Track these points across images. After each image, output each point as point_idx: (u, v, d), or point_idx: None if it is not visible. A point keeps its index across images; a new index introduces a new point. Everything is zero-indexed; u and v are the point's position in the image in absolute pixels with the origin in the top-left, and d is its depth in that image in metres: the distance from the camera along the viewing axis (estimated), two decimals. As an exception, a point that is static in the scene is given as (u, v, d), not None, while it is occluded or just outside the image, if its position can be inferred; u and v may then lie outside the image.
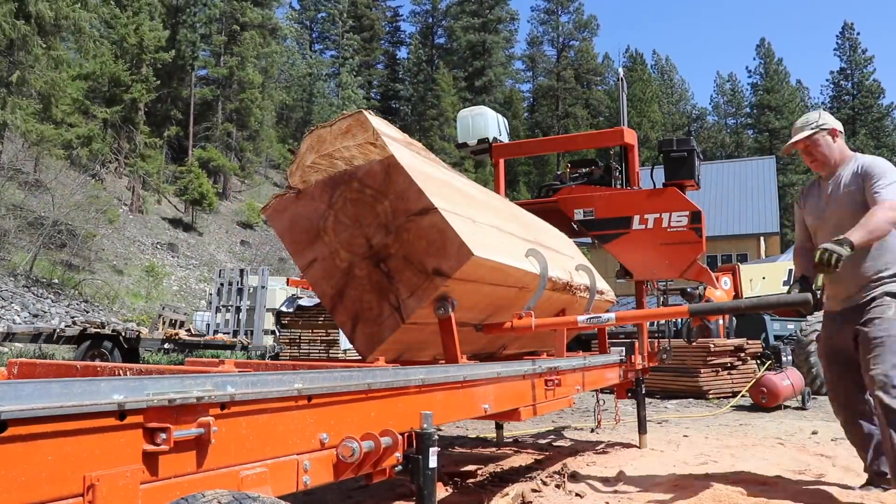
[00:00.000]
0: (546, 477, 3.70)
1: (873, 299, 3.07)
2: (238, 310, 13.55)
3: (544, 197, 5.19)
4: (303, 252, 2.61)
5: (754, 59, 76.04)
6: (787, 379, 7.36)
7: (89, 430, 1.05)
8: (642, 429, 4.83)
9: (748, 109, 59.75)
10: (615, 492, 3.45)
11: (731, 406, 7.64)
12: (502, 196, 5.16)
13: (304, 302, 10.97)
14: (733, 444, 4.96)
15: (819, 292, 2.89)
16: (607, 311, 4.64)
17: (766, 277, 10.37)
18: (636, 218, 4.62)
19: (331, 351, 10.08)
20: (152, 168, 27.34)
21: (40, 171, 22.60)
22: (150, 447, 1.15)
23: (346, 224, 2.51)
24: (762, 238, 29.68)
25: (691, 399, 8.46)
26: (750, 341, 9.16)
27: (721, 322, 11.51)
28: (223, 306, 13.69)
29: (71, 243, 20.51)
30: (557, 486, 3.51)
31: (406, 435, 1.75)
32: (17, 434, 0.95)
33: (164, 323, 12.73)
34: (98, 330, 10.05)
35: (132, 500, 1.09)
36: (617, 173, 5.06)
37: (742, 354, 8.89)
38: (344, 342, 9.47)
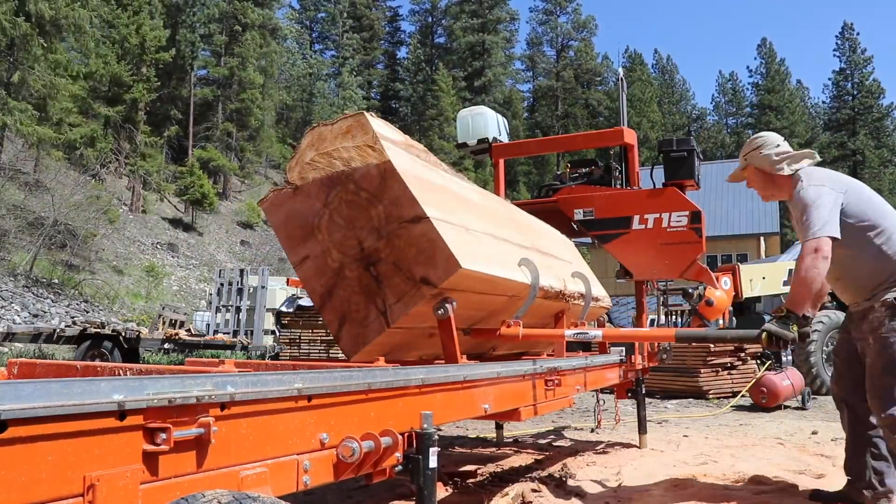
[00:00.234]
0: (546, 477, 3.70)
1: (872, 308, 2.93)
2: (238, 310, 13.55)
3: (544, 197, 5.18)
4: (296, 248, 2.62)
5: (755, 58, 76.08)
6: (787, 379, 7.36)
7: (89, 431, 1.05)
8: (642, 429, 4.83)
9: (749, 109, 59.77)
10: (615, 492, 3.45)
11: (731, 406, 7.64)
12: (502, 198, 5.16)
13: (304, 302, 10.97)
14: (733, 444, 4.96)
15: (806, 328, 2.78)
16: (601, 317, 4.67)
17: (766, 277, 10.36)
18: (636, 218, 4.62)
19: (331, 351, 10.08)
20: (152, 168, 27.34)
21: (40, 171, 22.60)
22: (150, 447, 1.15)
23: (340, 224, 2.52)
24: (762, 238, 29.67)
25: (691, 399, 8.46)
26: (750, 341, 9.14)
27: (721, 322, 11.51)
28: (223, 306, 13.69)
29: (71, 243, 20.50)
30: (557, 486, 3.51)
31: (406, 435, 1.75)
32: (17, 434, 0.95)
33: (164, 323, 12.74)
34: (98, 330, 10.05)
35: (132, 500, 1.09)
36: (617, 173, 5.06)
37: (742, 354, 8.88)
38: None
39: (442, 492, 3.41)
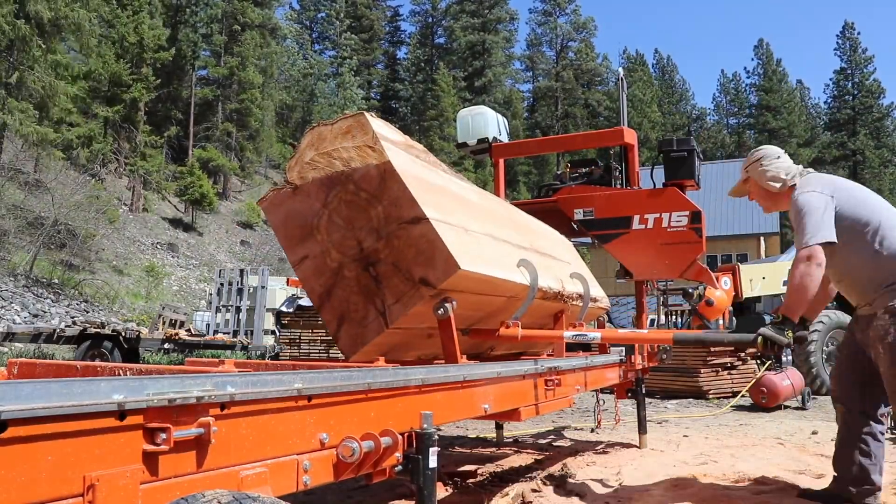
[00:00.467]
0: (546, 477, 3.70)
1: (875, 315, 2.91)
2: (238, 310, 13.55)
3: (544, 197, 5.18)
4: (295, 248, 2.62)
5: (752, 59, 76.08)
6: (787, 379, 7.36)
7: (89, 431, 1.05)
8: (642, 429, 4.83)
9: (748, 109, 59.79)
10: (615, 492, 3.45)
11: (731, 406, 7.64)
12: (502, 198, 5.16)
13: (304, 302, 10.96)
14: (733, 444, 4.96)
15: (803, 332, 2.84)
16: (600, 318, 4.67)
17: (766, 277, 10.36)
18: (636, 218, 4.62)
19: (331, 351, 10.08)
20: (152, 168, 27.34)
21: (40, 171, 22.60)
22: (150, 447, 1.15)
23: (340, 225, 2.52)
24: (762, 238, 29.67)
25: (691, 399, 8.46)
26: (750, 341, 9.14)
27: (721, 322, 11.51)
28: (223, 306, 13.69)
29: (71, 243, 20.51)
30: (557, 486, 3.51)
31: (406, 435, 1.75)
32: (17, 434, 0.95)
33: (164, 323, 12.74)
34: (98, 330, 10.05)
35: (132, 500, 1.09)
36: (617, 173, 5.06)
37: (742, 354, 8.88)
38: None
39: (442, 492, 3.41)
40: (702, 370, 8.52)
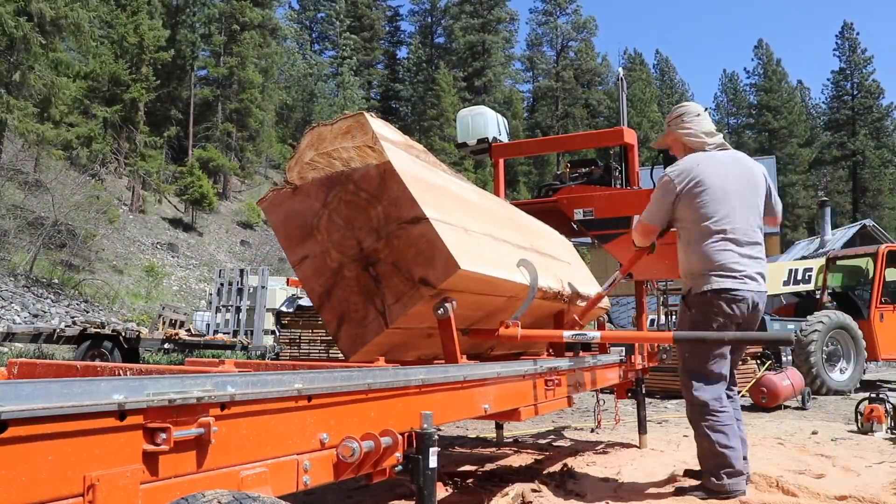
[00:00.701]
0: (546, 477, 3.70)
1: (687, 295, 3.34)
2: (238, 310, 13.55)
3: (544, 197, 5.18)
4: (295, 248, 2.62)
5: (752, 59, 76.07)
6: (787, 379, 7.36)
7: (89, 431, 1.05)
8: (642, 429, 4.83)
9: (748, 109, 59.79)
10: (615, 492, 3.45)
11: (731, 406, 7.63)
12: (502, 198, 5.15)
13: (304, 302, 10.96)
14: (733, 444, 4.95)
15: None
16: (600, 318, 4.67)
17: (767, 278, 10.39)
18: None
19: (331, 351, 10.07)
20: (152, 168, 27.35)
21: (40, 171, 22.61)
22: (150, 447, 1.15)
23: (339, 225, 2.52)
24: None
25: (691, 399, 8.45)
26: (750, 341, 9.15)
27: (721, 322, 11.49)
28: (223, 306, 13.69)
29: (71, 243, 20.51)
30: (557, 486, 3.51)
31: (406, 435, 1.75)
32: (17, 434, 0.95)
33: (164, 323, 12.74)
34: (98, 330, 10.05)
35: (132, 500, 1.09)
36: (617, 173, 5.06)
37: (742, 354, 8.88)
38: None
39: (442, 492, 3.41)
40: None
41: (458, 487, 3.53)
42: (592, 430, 5.76)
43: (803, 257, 20.58)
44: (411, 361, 2.78)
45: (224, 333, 12.89)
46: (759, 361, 9.14)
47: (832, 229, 25.75)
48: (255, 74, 34.28)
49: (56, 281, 18.72)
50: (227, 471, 1.29)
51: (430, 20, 57.45)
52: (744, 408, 7.51)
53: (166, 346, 10.83)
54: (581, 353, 3.93)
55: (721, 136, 3.48)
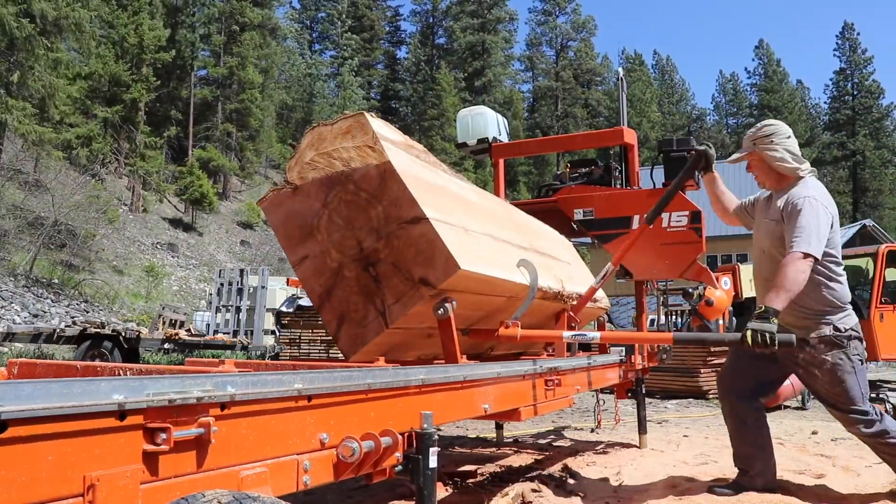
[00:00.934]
0: (546, 477, 3.70)
1: (805, 339, 3.05)
2: (238, 310, 13.54)
3: (544, 197, 5.18)
4: (295, 248, 2.62)
5: (753, 59, 76.09)
6: (787, 379, 7.34)
7: (89, 431, 1.05)
8: (642, 429, 4.83)
9: (748, 109, 59.80)
10: (615, 492, 3.45)
11: (731, 406, 7.63)
12: (502, 199, 5.15)
13: (304, 302, 10.96)
14: (733, 444, 4.95)
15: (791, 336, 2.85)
16: (600, 317, 4.67)
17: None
18: (636, 218, 4.61)
19: (331, 351, 10.08)
20: (152, 168, 27.35)
21: (40, 171, 22.60)
22: (150, 447, 1.15)
23: (339, 225, 2.52)
24: (762, 238, 29.54)
25: (691, 399, 8.46)
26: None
27: (721, 322, 11.50)
28: (223, 306, 13.68)
29: (71, 243, 20.51)
30: (557, 486, 3.51)
31: (406, 435, 1.75)
32: (17, 434, 0.95)
33: (164, 323, 12.73)
34: (98, 330, 10.05)
35: (132, 500, 1.09)
36: (617, 173, 5.06)
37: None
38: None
39: (442, 492, 3.41)
40: (702, 370, 8.52)
41: (458, 487, 3.53)
42: (592, 430, 5.76)
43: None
44: (411, 361, 2.78)
45: (224, 333, 12.89)
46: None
47: (832, 229, 25.66)
48: (255, 74, 34.27)
49: (56, 281, 18.72)
50: (227, 471, 1.29)
51: (430, 20, 57.45)
52: (744, 408, 7.52)
53: (166, 346, 10.83)
54: (580, 353, 3.93)
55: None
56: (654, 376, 8.51)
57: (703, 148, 3.40)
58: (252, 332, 13.20)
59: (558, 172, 5.64)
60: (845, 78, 55.68)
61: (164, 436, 1.15)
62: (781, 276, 2.85)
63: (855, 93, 55.27)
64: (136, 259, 23.92)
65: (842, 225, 33.36)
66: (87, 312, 17.32)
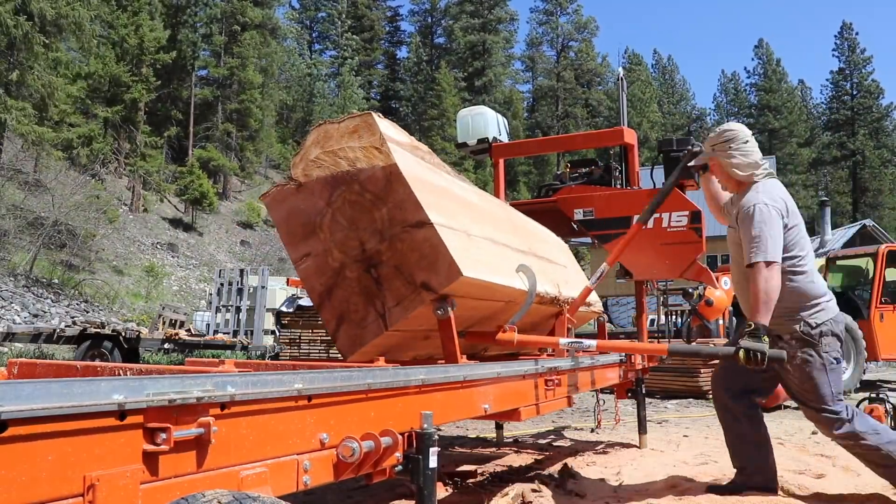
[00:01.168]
0: (546, 477, 3.70)
1: (779, 336, 3.07)
2: (238, 310, 13.54)
3: (544, 197, 5.18)
4: (297, 245, 2.61)
5: (753, 59, 76.07)
6: (787, 379, 7.34)
7: (89, 430, 1.05)
8: (642, 429, 4.83)
9: (748, 109, 59.79)
10: (615, 492, 3.45)
11: (731, 406, 7.63)
12: (502, 198, 5.15)
13: (304, 302, 10.96)
14: (733, 444, 4.94)
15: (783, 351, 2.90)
16: (601, 318, 4.68)
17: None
18: (636, 218, 4.62)
19: (331, 351, 10.07)
20: (152, 168, 27.35)
21: (40, 171, 22.61)
22: (151, 447, 1.15)
23: (343, 225, 2.51)
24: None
25: (691, 399, 8.45)
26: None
27: (721, 322, 11.50)
28: (223, 306, 13.68)
29: (71, 243, 20.51)
30: (557, 486, 3.51)
31: (406, 435, 1.75)
32: (18, 434, 0.95)
33: (164, 323, 12.74)
34: (98, 330, 10.05)
35: (132, 500, 1.09)
36: (617, 173, 5.06)
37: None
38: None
39: (442, 492, 3.41)
40: (702, 370, 8.52)
41: (458, 487, 3.53)
42: (592, 430, 5.76)
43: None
44: (407, 362, 2.78)
45: (224, 333, 12.88)
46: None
47: (832, 229, 25.77)
48: (255, 74, 34.29)
49: (56, 281, 18.72)
50: (227, 471, 1.29)
51: (430, 20, 57.45)
52: (744, 408, 7.52)
53: (166, 346, 10.83)
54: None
55: (767, 161, 3.25)
56: (654, 376, 8.51)
57: (698, 148, 3.43)
58: (252, 332, 13.21)
59: (558, 172, 5.64)
60: (845, 78, 55.70)
61: (164, 436, 1.15)
62: (755, 291, 2.90)
63: (854, 93, 55.28)
64: (136, 259, 23.92)
65: (842, 225, 33.36)
66: (87, 312, 17.33)
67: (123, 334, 10.18)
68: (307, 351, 10.33)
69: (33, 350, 11.33)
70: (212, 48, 35.42)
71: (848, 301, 10.57)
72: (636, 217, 4.48)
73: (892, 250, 10.43)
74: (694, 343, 8.07)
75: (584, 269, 5.13)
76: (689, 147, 4.10)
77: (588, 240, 5.22)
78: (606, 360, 4.10)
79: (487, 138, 5.33)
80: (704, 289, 4.82)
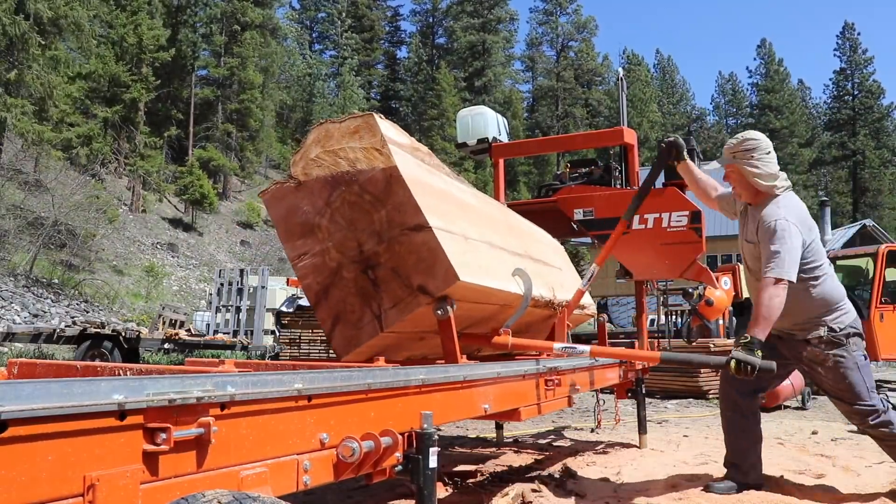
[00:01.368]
0: (546, 477, 3.70)
1: (807, 341, 3.19)
2: (238, 310, 13.54)
3: (544, 197, 5.18)
4: (295, 243, 2.61)
5: (755, 59, 76.08)
6: (787, 379, 7.35)
7: (89, 431, 1.05)
8: (642, 429, 4.82)
9: (749, 109, 59.78)
10: (615, 492, 3.45)
11: (731, 406, 7.62)
12: (502, 199, 5.15)
13: (304, 302, 10.96)
14: (733, 444, 4.94)
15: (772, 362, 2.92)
16: (600, 317, 4.68)
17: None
18: (636, 218, 4.62)
19: (330, 351, 10.04)
20: (152, 168, 27.35)
21: (40, 171, 22.61)
22: (151, 447, 1.14)
23: (341, 225, 2.51)
24: (762, 238, 29.52)
25: (691, 399, 8.45)
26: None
27: (721, 322, 11.50)
28: (223, 306, 13.68)
29: (71, 243, 20.51)
30: (557, 486, 3.51)
31: (406, 435, 1.75)
32: (17, 434, 0.95)
33: (164, 323, 12.74)
34: (98, 330, 10.05)
35: (132, 500, 1.09)
36: (617, 173, 5.06)
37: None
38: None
39: (442, 492, 3.41)
40: (702, 370, 8.52)
41: (458, 487, 3.53)
42: (592, 430, 5.76)
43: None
44: (401, 362, 2.79)
45: (224, 333, 12.88)
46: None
47: (832, 229, 25.76)
48: (255, 74, 34.30)
49: (56, 281, 18.72)
50: (227, 471, 1.29)
51: (430, 20, 57.45)
52: (744, 408, 7.51)
53: (166, 346, 10.83)
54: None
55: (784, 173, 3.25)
56: (654, 376, 8.51)
57: (671, 139, 3.54)
58: (252, 332, 13.21)
59: (558, 172, 5.64)
60: (846, 78, 55.70)
61: (164, 436, 1.15)
62: (758, 305, 2.96)
63: (855, 93, 55.28)
64: (136, 259, 23.93)
65: (842, 225, 33.35)
66: (87, 312, 17.33)
67: (123, 334, 10.18)
68: (307, 351, 10.33)
69: (33, 350, 11.33)
70: (212, 48, 35.42)
71: (848, 301, 10.57)
72: (642, 217, 4.50)
73: (892, 250, 10.43)
74: (693, 343, 8.06)
75: (583, 270, 5.12)
76: (692, 147, 4.11)
77: (588, 240, 5.22)
78: (606, 360, 4.10)
79: (487, 138, 5.33)
80: (704, 289, 4.81)
